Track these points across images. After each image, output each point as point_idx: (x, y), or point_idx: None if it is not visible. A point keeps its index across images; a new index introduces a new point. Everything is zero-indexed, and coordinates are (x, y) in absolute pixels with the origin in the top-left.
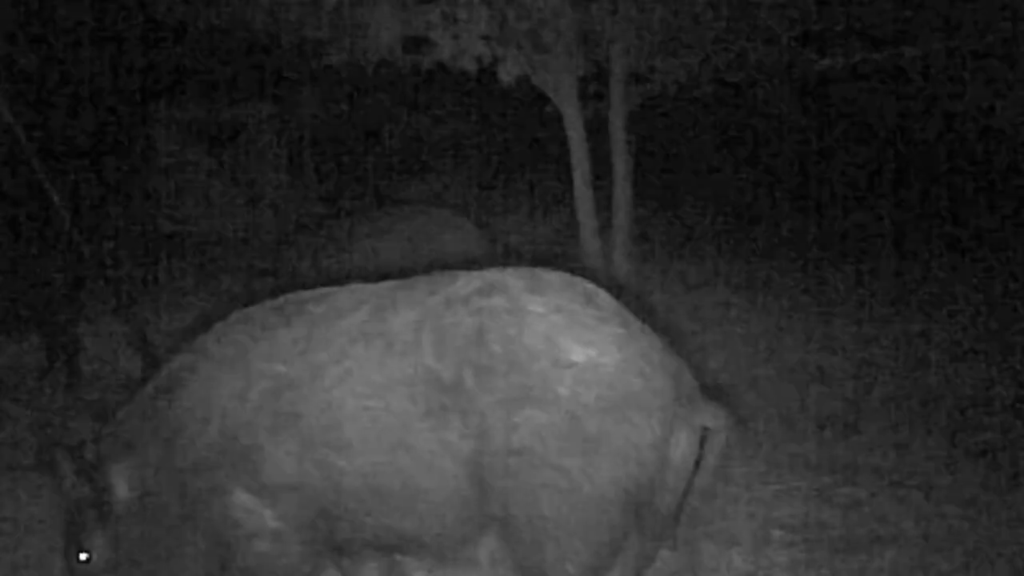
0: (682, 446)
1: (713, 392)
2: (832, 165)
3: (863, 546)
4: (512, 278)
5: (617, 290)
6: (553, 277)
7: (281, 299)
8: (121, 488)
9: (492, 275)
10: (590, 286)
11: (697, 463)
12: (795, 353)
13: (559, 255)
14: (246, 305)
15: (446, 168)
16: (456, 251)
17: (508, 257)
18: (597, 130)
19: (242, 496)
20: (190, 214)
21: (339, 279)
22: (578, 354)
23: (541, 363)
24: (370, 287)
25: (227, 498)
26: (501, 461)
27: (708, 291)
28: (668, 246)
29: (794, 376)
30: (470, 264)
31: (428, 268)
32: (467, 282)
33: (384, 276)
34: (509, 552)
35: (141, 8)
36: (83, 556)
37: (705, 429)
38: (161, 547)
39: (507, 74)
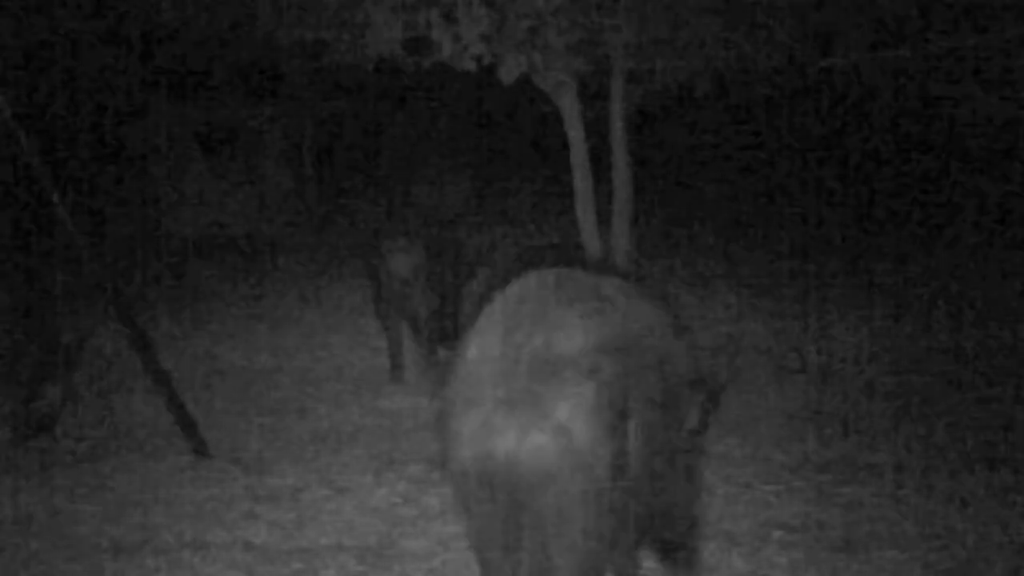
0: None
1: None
2: (833, 165)
3: (863, 546)
4: (549, 277)
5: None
6: (572, 281)
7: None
8: None
9: (556, 273)
10: (609, 291)
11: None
12: (795, 353)
13: (559, 255)
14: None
15: (446, 168)
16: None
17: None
18: (597, 130)
19: None
20: (190, 215)
21: (338, 278)
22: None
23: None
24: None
25: None
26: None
27: (707, 291)
28: (668, 246)
29: (794, 376)
30: None
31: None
32: (543, 277)
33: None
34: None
35: (142, 9)
36: None
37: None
38: None
39: (507, 74)
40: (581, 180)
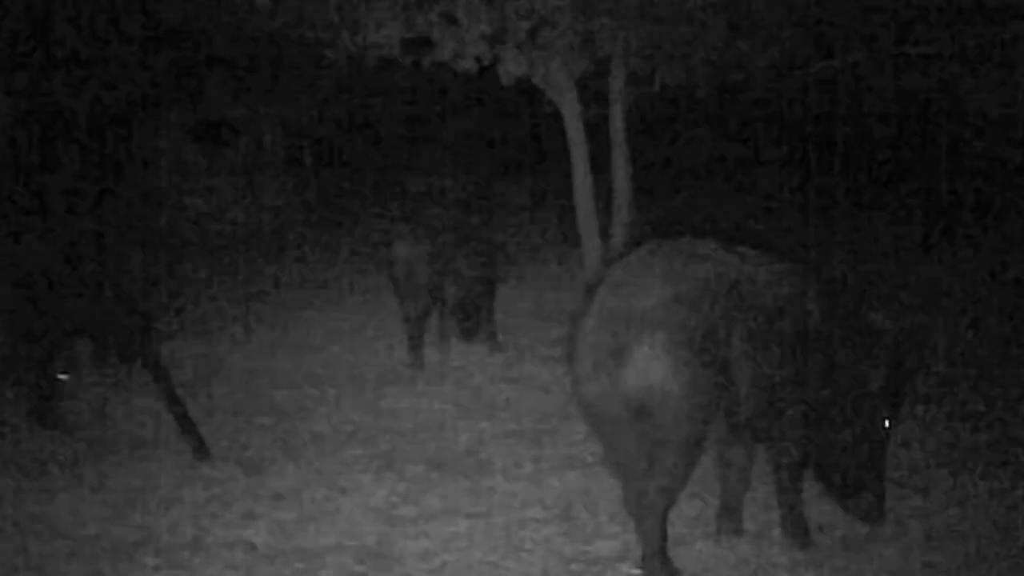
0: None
1: None
2: (832, 164)
3: (863, 546)
4: (652, 246)
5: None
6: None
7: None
8: None
9: (659, 242)
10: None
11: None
12: None
13: (559, 254)
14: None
15: (446, 167)
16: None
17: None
18: (597, 130)
19: None
20: (190, 214)
21: (337, 277)
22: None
23: None
24: None
25: None
26: None
27: None
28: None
29: None
30: None
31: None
32: (648, 246)
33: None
34: None
35: (142, 9)
36: None
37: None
38: None
39: (507, 74)
40: (581, 179)
